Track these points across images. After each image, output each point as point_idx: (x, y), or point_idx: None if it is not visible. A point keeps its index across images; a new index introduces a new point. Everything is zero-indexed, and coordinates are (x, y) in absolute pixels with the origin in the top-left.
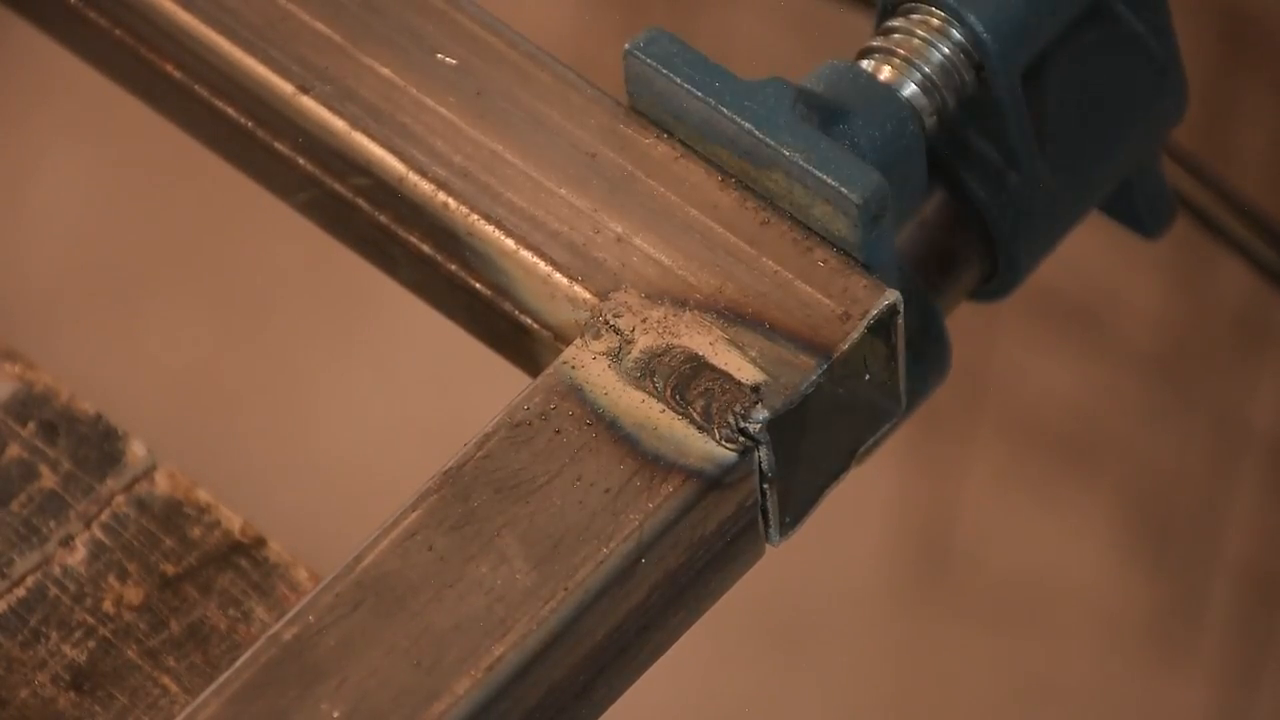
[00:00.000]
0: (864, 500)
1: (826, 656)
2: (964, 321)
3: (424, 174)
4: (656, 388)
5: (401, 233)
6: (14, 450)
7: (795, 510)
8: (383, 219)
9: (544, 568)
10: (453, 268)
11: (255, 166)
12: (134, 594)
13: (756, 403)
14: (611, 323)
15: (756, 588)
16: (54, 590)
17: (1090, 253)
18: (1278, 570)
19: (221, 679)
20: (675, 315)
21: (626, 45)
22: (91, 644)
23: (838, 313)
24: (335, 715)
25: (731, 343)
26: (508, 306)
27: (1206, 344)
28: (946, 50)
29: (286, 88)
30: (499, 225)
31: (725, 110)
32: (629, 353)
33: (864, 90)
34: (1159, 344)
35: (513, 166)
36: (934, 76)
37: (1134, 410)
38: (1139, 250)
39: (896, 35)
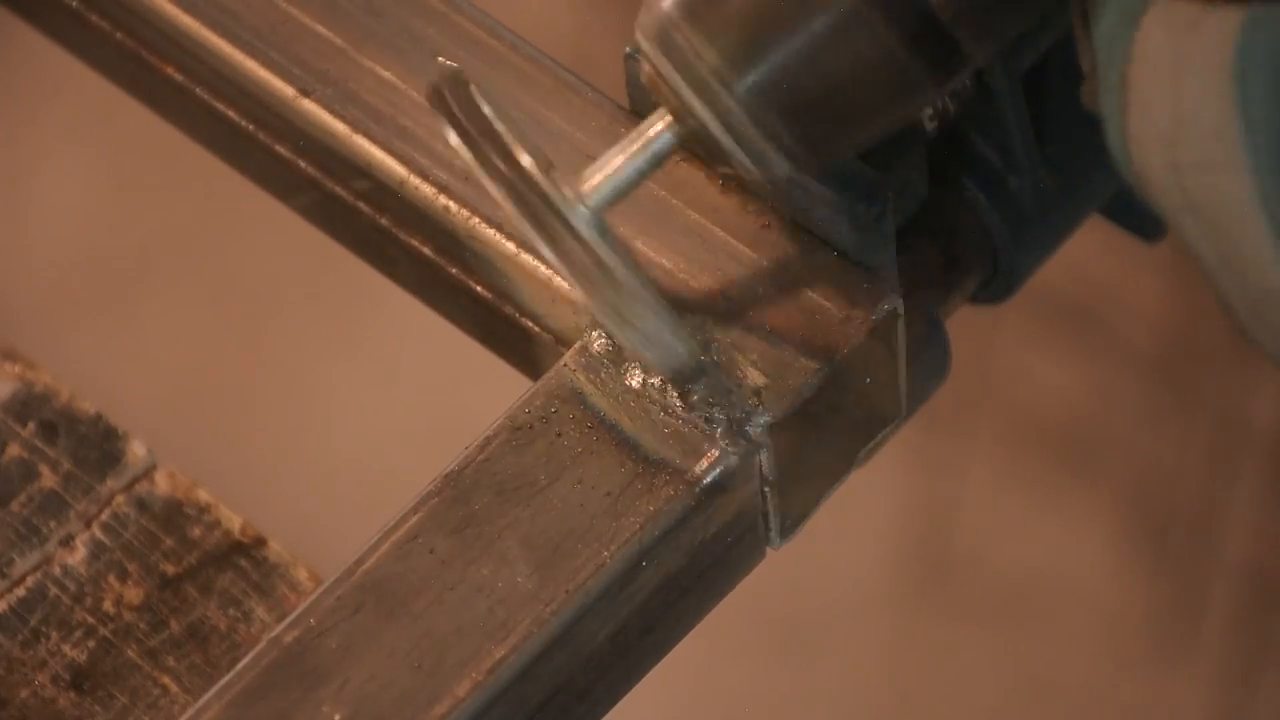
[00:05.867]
0: (864, 501)
1: (827, 656)
2: (964, 322)
3: (425, 177)
4: (658, 391)
5: (402, 236)
6: (14, 450)
7: (796, 513)
8: (384, 222)
9: (545, 571)
10: (454, 271)
11: (256, 169)
12: (134, 594)
13: (758, 406)
14: None
15: (757, 588)
16: (54, 590)
17: (1090, 253)
18: (1278, 570)
19: (223, 681)
20: None
21: (627, 48)
22: (91, 644)
23: (839, 316)
24: (336, 718)
25: (733, 346)
26: (509, 310)
27: (1206, 344)
28: None
29: (287, 91)
30: (500, 229)
31: None
32: (630, 356)
33: None
34: (1159, 344)
35: None
36: None
37: (1134, 410)
38: (1139, 251)
39: None
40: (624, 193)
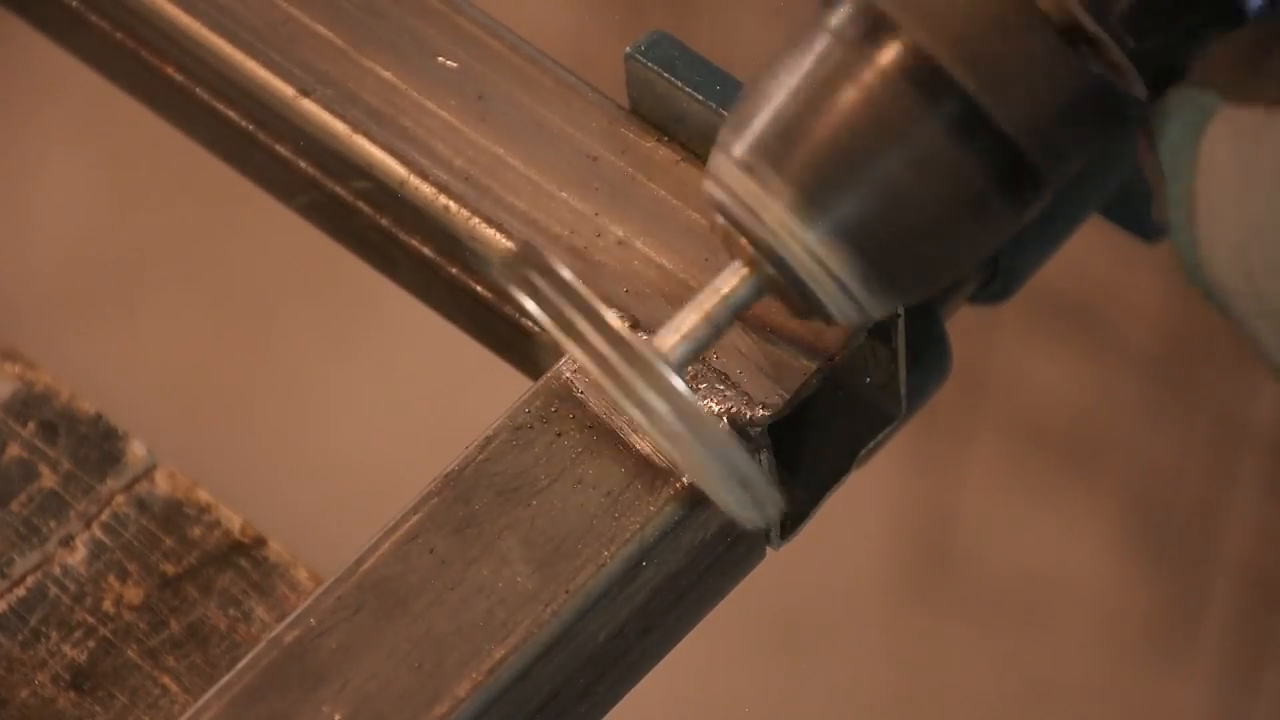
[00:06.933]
0: (864, 500)
1: (827, 657)
2: (964, 322)
3: (425, 177)
4: None
5: (403, 236)
6: (14, 450)
7: (796, 513)
8: (384, 222)
9: (545, 571)
10: (454, 271)
11: (256, 170)
12: (134, 594)
13: (757, 406)
14: None
15: (757, 588)
16: (54, 590)
17: (1090, 253)
18: (1278, 570)
19: (223, 681)
20: None
21: (628, 49)
22: (91, 644)
23: None
24: (336, 718)
25: (732, 346)
26: (509, 310)
27: (1206, 344)
28: None
29: (288, 91)
30: (500, 229)
31: (726, 113)
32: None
33: None
34: (1159, 344)
35: (514, 170)
36: None
37: (1134, 410)
38: (1139, 251)
39: None
40: (704, 350)
